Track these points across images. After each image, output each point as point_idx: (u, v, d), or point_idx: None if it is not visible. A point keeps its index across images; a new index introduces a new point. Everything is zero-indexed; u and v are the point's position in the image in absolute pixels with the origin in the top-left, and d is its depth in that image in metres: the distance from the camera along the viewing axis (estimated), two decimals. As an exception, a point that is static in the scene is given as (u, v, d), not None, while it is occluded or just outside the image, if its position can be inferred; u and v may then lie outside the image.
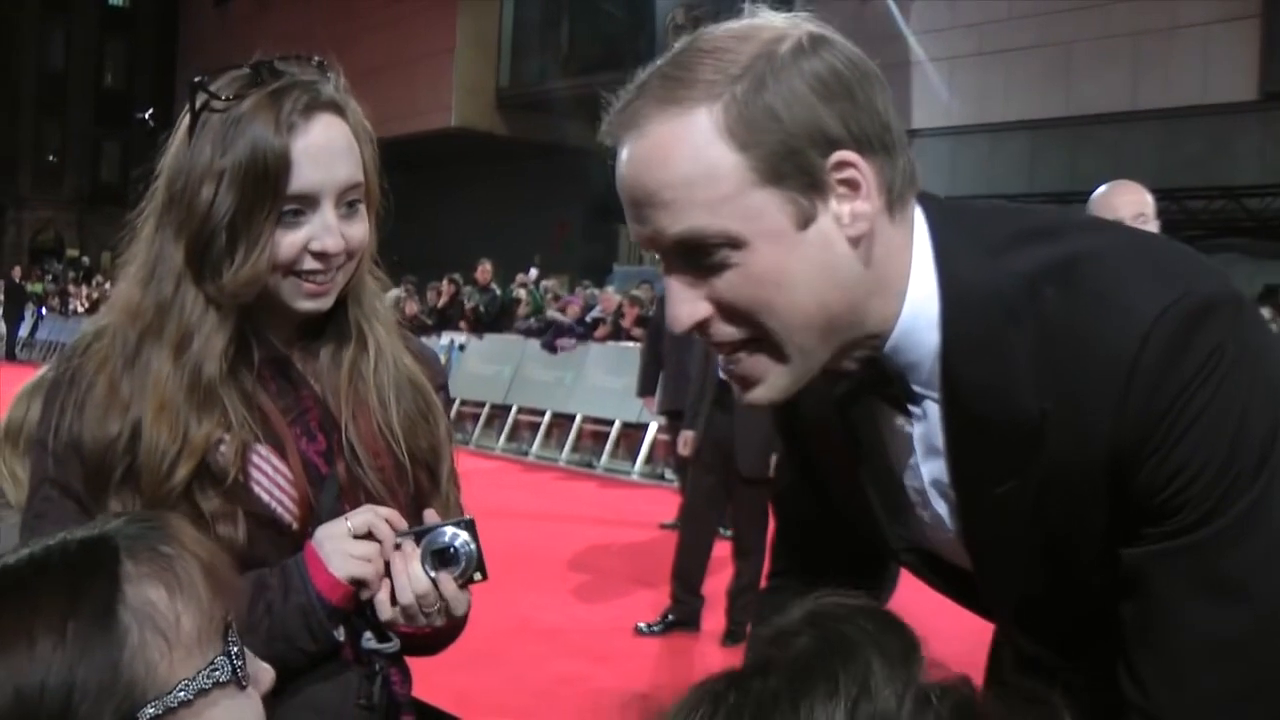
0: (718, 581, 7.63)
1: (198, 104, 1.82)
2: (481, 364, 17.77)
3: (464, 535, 1.84)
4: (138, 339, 1.81)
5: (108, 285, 31.92)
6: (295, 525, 1.82)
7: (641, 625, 7.65)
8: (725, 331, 1.45)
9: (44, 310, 34.16)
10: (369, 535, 1.80)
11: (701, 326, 1.45)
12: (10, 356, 32.04)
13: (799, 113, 1.37)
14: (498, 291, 19.37)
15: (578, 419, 15.74)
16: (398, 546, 1.82)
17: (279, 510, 1.82)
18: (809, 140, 1.37)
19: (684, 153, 1.38)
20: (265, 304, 1.84)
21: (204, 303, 1.80)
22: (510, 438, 16.88)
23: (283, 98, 1.78)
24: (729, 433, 7.16)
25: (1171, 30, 19.76)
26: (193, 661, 1.25)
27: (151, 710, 1.20)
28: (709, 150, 1.37)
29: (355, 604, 1.82)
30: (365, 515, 1.81)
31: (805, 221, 1.39)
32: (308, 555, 1.79)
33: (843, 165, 1.39)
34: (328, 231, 1.79)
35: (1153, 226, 4.81)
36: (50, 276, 38.10)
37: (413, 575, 1.80)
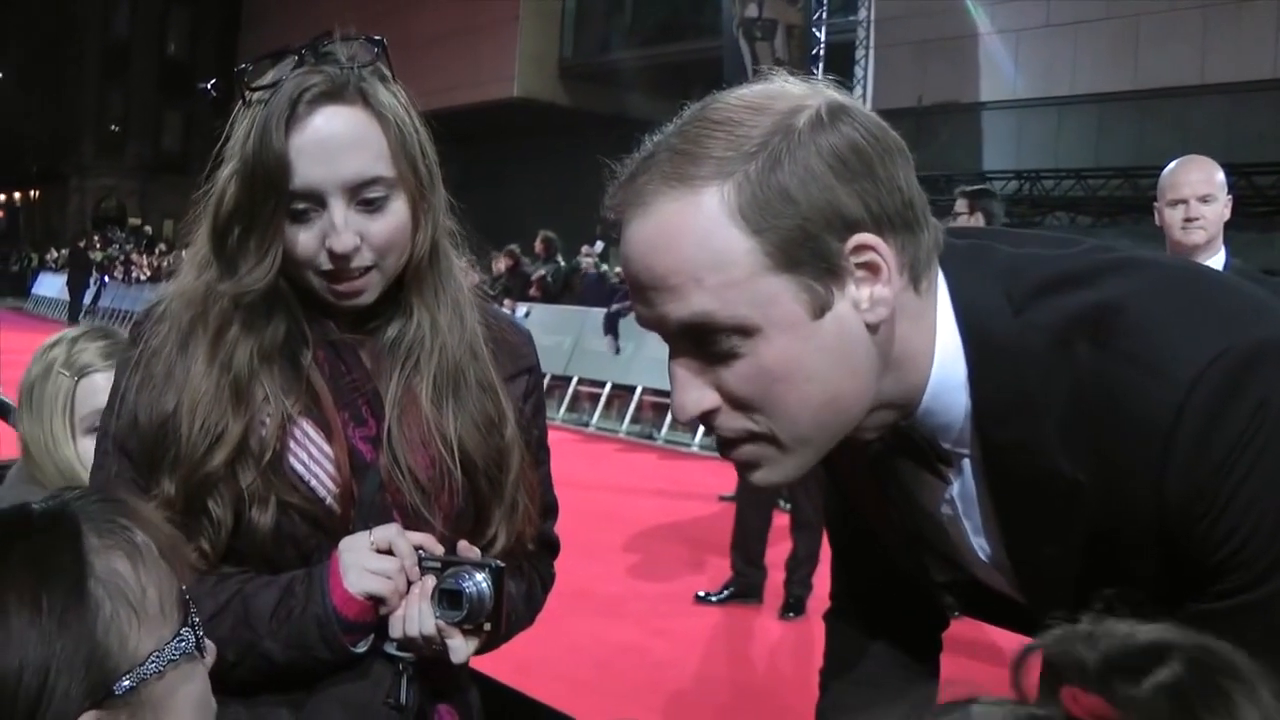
0: (779, 553, 7.62)
1: (241, 93, 1.81)
2: (542, 334, 17.62)
3: (482, 583, 1.78)
4: (189, 323, 1.83)
5: (170, 254, 32.36)
6: (337, 508, 1.81)
7: (700, 593, 7.65)
8: (732, 425, 1.37)
9: (106, 279, 34.52)
10: (391, 551, 1.78)
11: (707, 417, 1.37)
12: (74, 323, 32.37)
13: (815, 194, 1.28)
14: (561, 262, 19.30)
15: (638, 390, 15.65)
16: (425, 571, 1.79)
17: (318, 488, 1.81)
18: (825, 224, 1.28)
19: (692, 236, 1.29)
20: (316, 299, 1.84)
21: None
22: (570, 408, 16.86)
23: (298, 88, 1.75)
24: None
25: (1240, 2, 19.48)
26: (160, 633, 1.25)
27: (127, 682, 1.21)
28: (719, 234, 1.28)
29: (376, 616, 1.80)
30: (388, 531, 1.79)
31: (820, 310, 1.30)
32: (330, 566, 1.78)
33: (861, 249, 1.30)
34: (334, 230, 1.75)
35: (1222, 206, 4.76)
36: (114, 244, 38.44)
37: (421, 611, 1.77)
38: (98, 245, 38.01)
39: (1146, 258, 1.43)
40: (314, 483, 1.80)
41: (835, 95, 1.34)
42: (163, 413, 1.79)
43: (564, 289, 18.81)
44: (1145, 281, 1.36)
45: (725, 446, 1.40)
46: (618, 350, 15.66)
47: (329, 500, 1.81)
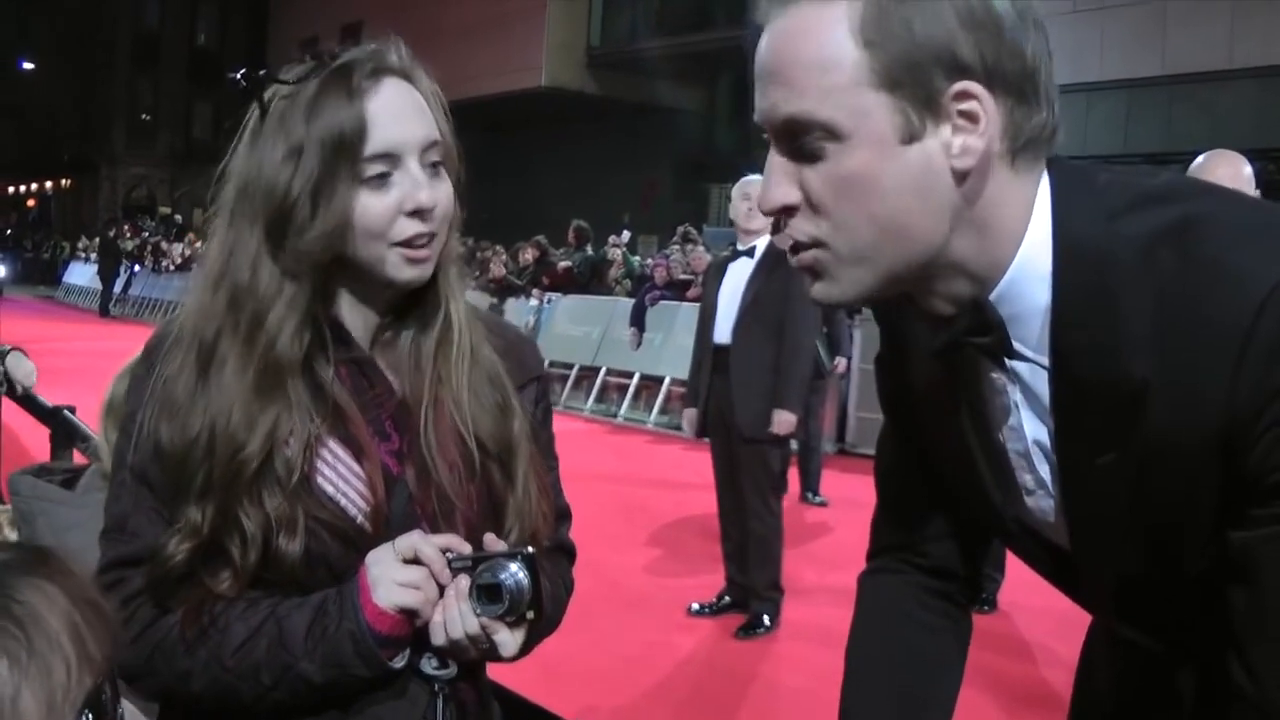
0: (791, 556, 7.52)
1: (266, 95, 1.81)
2: (570, 325, 17.77)
3: (518, 571, 1.76)
4: (213, 338, 1.80)
5: (199, 243, 32.43)
6: (369, 527, 1.79)
7: (693, 606, 7.49)
8: (803, 229, 1.44)
9: (136, 267, 34.65)
10: (417, 559, 1.76)
11: (785, 214, 1.45)
12: (105, 312, 32.62)
13: (934, 30, 1.34)
14: (589, 251, 19.33)
15: (666, 381, 15.61)
16: (455, 572, 1.77)
17: (349, 508, 1.79)
18: (935, 58, 1.35)
19: (813, 37, 1.38)
20: (353, 286, 1.86)
21: (279, 277, 1.79)
22: (599, 399, 16.87)
23: (349, 69, 1.79)
24: (727, 398, 7.08)
25: (1270, -14, 19.34)
26: None
27: None
28: (835, 39, 1.36)
29: (411, 628, 1.77)
30: (411, 538, 1.76)
31: (909, 137, 1.37)
32: (360, 581, 1.75)
33: (965, 95, 1.36)
34: (418, 185, 1.78)
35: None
36: (145, 233, 38.56)
37: (462, 612, 1.75)
38: (128, 234, 38.07)
39: (1224, 187, 1.50)
40: (344, 502, 1.78)
41: None
42: (188, 437, 1.75)
43: (592, 278, 18.79)
44: (1225, 202, 1.42)
45: (793, 250, 1.48)
46: (639, 344, 15.59)
47: (360, 519, 1.79)
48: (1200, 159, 4.83)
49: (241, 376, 1.77)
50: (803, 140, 1.40)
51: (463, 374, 1.89)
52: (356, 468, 1.80)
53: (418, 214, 1.78)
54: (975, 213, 1.42)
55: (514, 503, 1.90)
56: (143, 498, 1.80)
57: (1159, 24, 20.58)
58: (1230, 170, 4.71)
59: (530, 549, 1.78)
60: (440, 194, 1.81)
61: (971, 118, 1.37)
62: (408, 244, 1.79)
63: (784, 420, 6.95)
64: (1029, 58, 1.38)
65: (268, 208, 1.77)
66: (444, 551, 1.76)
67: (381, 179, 1.77)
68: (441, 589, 1.76)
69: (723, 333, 7.16)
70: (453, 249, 1.91)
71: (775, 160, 1.44)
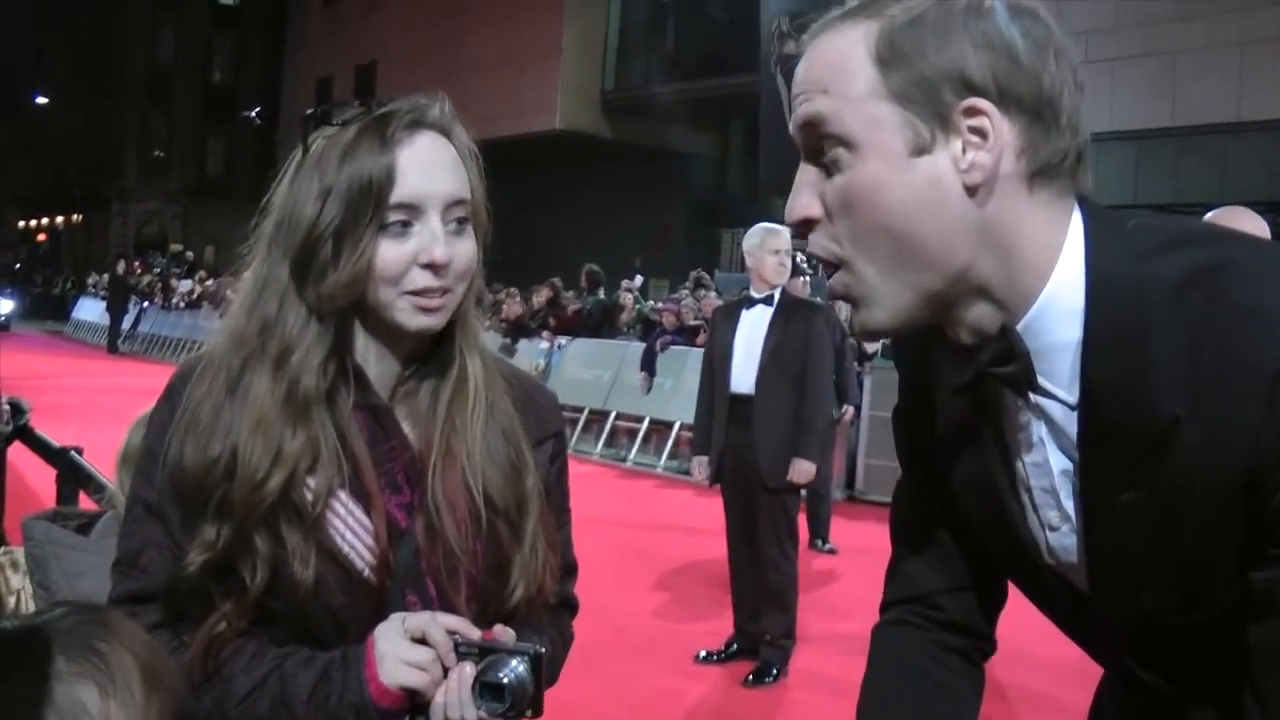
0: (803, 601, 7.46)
1: (309, 135, 1.85)
2: (581, 368, 17.77)
3: (522, 671, 1.76)
4: (241, 364, 1.84)
5: (210, 280, 32.50)
6: (374, 579, 1.81)
7: (701, 653, 7.43)
8: (822, 244, 1.50)
9: (146, 304, 34.68)
10: (426, 639, 1.76)
11: (809, 226, 1.51)
12: (113, 349, 32.60)
13: (946, 50, 1.41)
14: (602, 295, 19.37)
15: (676, 426, 15.58)
16: (461, 657, 1.76)
17: (355, 560, 1.80)
18: (945, 76, 1.41)
19: (835, 55, 1.47)
20: (374, 332, 1.87)
21: (305, 315, 1.83)
22: (608, 443, 16.87)
23: (389, 118, 1.82)
24: (747, 447, 7.05)
25: (1278, 40, 19.39)
26: None
27: None
28: (854, 56, 1.45)
29: (411, 703, 1.77)
30: (421, 619, 1.77)
31: (919, 150, 1.42)
32: (366, 653, 1.76)
33: (974, 111, 1.41)
34: (435, 241, 1.80)
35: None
36: (156, 269, 38.64)
37: (462, 702, 1.75)
38: (138, 270, 38.13)
39: (1249, 233, 1.53)
40: (351, 554, 1.80)
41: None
42: (210, 456, 1.78)
43: (603, 322, 18.81)
44: (1253, 247, 1.44)
45: (828, 279, 1.54)
46: (649, 389, 15.63)
47: (366, 572, 1.80)
48: (1217, 213, 4.80)
49: (267, 402, 1.80)
50: (823, 150, 1.47)
51: (476, 429, 1.90)
52: (365, 519, 1.81)
53: (431, 267, 1.80)
54: (997, 235, 1.44)
55: (520, 560, 1.91)
56: (153, 534, 1.82)
57: (1169, 75, 20.65)
58: (1254, 225, 4.69)
59: (539, 648, 1.78)
60: (459, 250, 1.84)
61: (981, 134, 1.41)
62: (419, 294, 1.81)
63: (803, 469, 6.96)
64: (1045, 82, 1.42)
65: (296, 245, 1.81)
66: (452, 634, 1.76)
67: (403, 227, 1.80)
68: (446, 669, 1.77)
69: (742, 382, 7.13)
70: (470, 304, 1.93)
71: (802, 174, 1.51)
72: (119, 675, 1.23)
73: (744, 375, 7.12)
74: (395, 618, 1.78)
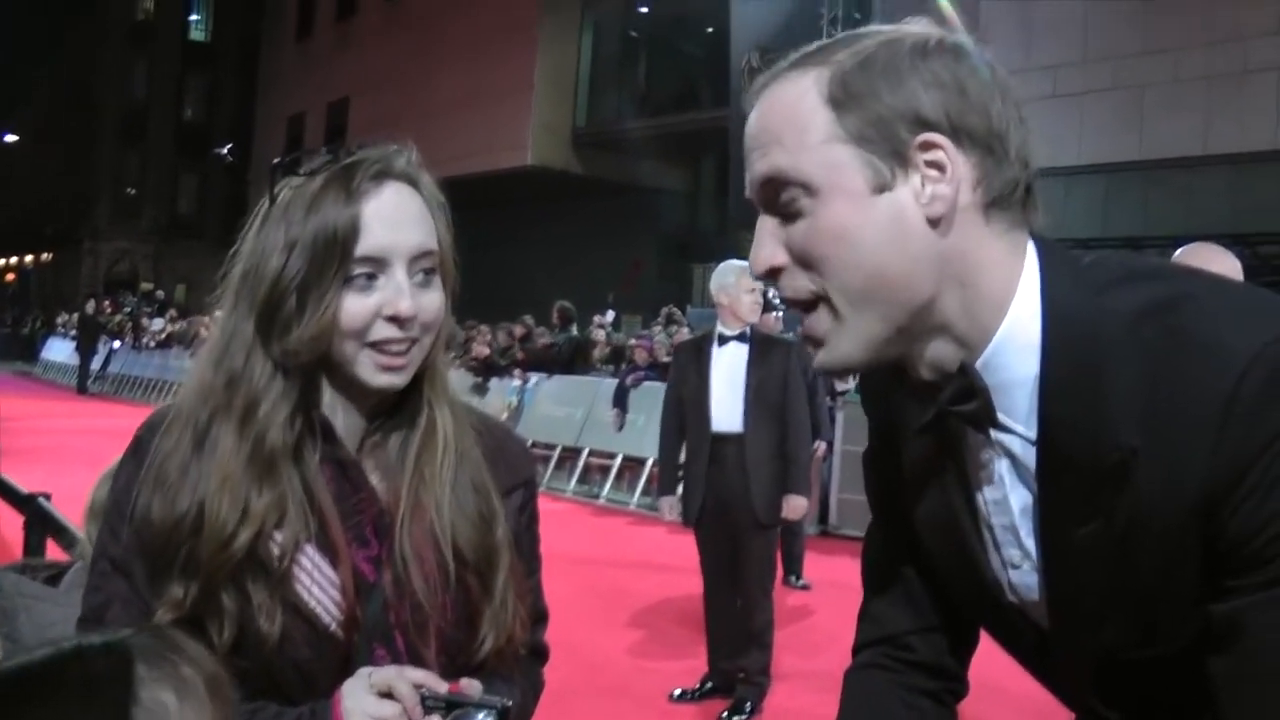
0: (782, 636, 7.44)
1: (276, 184, 1.84)
2: (553, 406, 17.71)
3: None
4: (208, 418, 1.83)
5: (181, 321, 32.28)
6: (341, 634, 1.80)
7: (675, 691, 7.39)
8: (795, 285, 1.52)
9: (116, 343, 34.48)
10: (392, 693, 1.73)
11: (775, 274, 1.53)
12: (83, 389, 32.33)
13: (897, 90, 1.45)
14: (574, 331, 19.34)
15: (649, 462, 15.46)
16: (428, 711, 1.72)
17: (321, 614, 1.79)
18: (899, 115, 1.44)
19: (788, 104, 1.49)
20: (340, 386, 1.86)
21: (271, 369, 1.81)
22: (581, 480, 16.80)
23: (354, 169, 1.81)
24: (731, 486, 7.01)
25: (1244, 74, 19.57)
26: None
27: None
28: (806, 103, 1.47)
29: None
30: (387, 673, 1.74)
31: (880, 187, 1.45)
32: (333, 709, 1.73)
33: (929, 145, 1.44)
34: (400, 294, 1.79)
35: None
36: (127, 309, 38.43)
37: None
38: (108, 309, 37.91)
39: (1206, 270, 1.57)
40: (317, 608, 1.79)
41: (959, 39, 1.51)
42: (177, 512, 1.76)
43: (574, 357, 18.76)
44: (1207, 281, 1.49)
45: (794, 307, 1.56)
46: (621, 426, 15.61)
47: (333, 626, 1.79)
48: (1188, 251, 4.71)
49: (234, 458, 1.78)
50: (783, 200, 1.49)
51: (445, 481, 1.89)
52: (332, 573, 1.80)
53: (395, 320, 1.79)
54: (958, 267, 1.48)
55: (490, 612, 1.90)
56: (118, 590, 1.81)
57: (1136, 110, 20.81)
58: (1226, 265, 4.62)
59: (506, 702, 1.75)
60: (425, 303, 1.83)
61: (939, 167, 1.45)
62: (381, 347, 1.80)
63: (796, 505, 6.99)
64: (995, 117, 1.47)
65: (261, 298, 1.80)
66: (418, 687, 1.73)
67: (368, 280, 1.79)
68: None
69: (724, 421, 7.07)
70: (439, 355, 1.92)
71: (762, 226, 1.54)
72: (190, 682, 1.31)
73: (726, 414, 7.07)
74: (362, 672, 1.75)
